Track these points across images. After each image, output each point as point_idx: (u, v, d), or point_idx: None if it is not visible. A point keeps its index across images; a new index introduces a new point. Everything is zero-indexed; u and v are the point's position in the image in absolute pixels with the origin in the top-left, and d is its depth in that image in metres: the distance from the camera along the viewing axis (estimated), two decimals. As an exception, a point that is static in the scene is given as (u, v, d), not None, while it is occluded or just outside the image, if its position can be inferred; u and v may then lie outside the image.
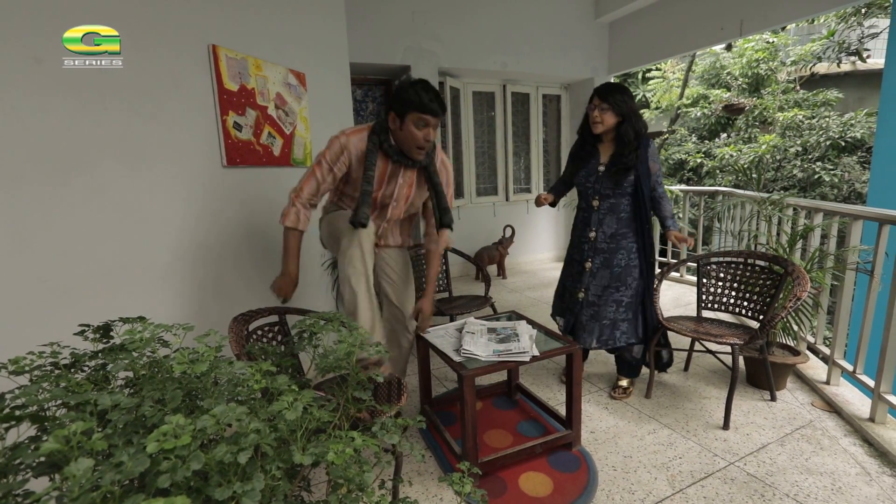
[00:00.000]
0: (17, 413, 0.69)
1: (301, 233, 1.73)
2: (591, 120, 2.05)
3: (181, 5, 1.75)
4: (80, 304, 1.45)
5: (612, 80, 2.09)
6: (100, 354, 0.85)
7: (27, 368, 0.76)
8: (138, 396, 0.70)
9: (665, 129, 8.39)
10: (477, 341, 1.76)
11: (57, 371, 0.79)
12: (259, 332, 1.65)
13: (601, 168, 2.10)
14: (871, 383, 1.95)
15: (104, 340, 0.90)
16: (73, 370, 0.82)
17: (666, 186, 4.62)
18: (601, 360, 2.63)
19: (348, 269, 1.62)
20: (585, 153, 2.17)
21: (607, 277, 2.12)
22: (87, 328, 0.89)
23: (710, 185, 6.68)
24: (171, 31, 1.71)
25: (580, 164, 2.18)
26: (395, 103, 1.65)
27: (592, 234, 2.14)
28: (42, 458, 0.63)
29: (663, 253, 4.86)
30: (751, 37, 7.10)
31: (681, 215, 4.33)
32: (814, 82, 7.91)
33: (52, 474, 0.64)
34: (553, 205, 2.28)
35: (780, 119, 7.02)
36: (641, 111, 8.62)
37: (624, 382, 2.25)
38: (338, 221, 1.77)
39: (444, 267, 2.92)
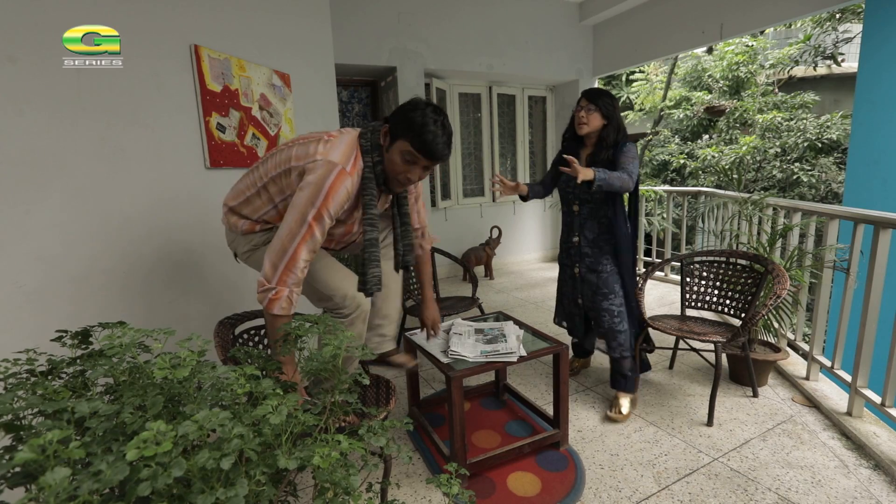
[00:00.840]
0: (-9, 422, 0.67)
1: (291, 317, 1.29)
2: (577, 121, 2.06)
3: (163, 5, 1.72)
4: (58, 309, 1.41)
5: (599, 87, 2.01)
6: (78, 361, 0.83)
7: (1, 376, 0.74)
8: (118, 403, 0.69)
9: (649, 131, 8.51)
10: (464, 342, 1.76)
11: (33, 378, 0.77)
12: (245, 336, 1.62)
13: None
14: (849, 378, 2.00)
15: (83, 346, 0.88)
16: (50, 377, 0.80)
17: (650, 187, 4.71)
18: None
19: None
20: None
21: (595, 283, 2.11)
22: (64, 334, 0.87)
23: (692, 186, 6.80)
24: (152, 31, 1.68)
25: (559, 172, 2.13)
26: (396, 120, 1.32)
27: (576, 240, 2.14)
28: (17, 469, 0.61)
29: (647, 253, 4.93)
30: (731, 40, 7.25)
31: (665, 215, 4.39)
32: (791, 85, 8.11)
33: (28, 484, 0.62)
34: (524, 198, 2.18)
35: (760, 121, 7.17)
36: (625, 113, 8.74)
37: (625, 402, 2.10)
38: (322, 271, 1.43)
39: (432, 267, 2.92)
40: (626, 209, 2.17)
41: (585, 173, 1.78)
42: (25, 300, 1.34)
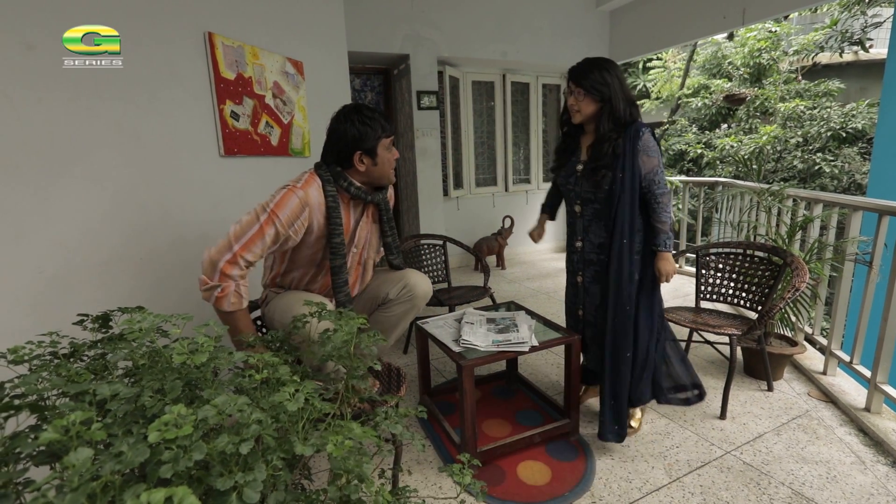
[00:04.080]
0: (17, 402, 0.69)
1: (247, 309, 1.36)
2: (570, 108, 1.74)
3: (176, -9, 1.72)
4: (77, 294, 1.44)
5: (590, 57, 1.72)
6: (99, 344, 0.85)
7: (27, 358, 0.76)
8: (138, 386, 0.70)
9: (665, 120, 8.34)
10: (476, 332, 1.76)
11: (56, 360, 0.78)
12: (258, 323, 1.64)
13: (580, 167, 1.76)
14: (868, 373, 1.97)
15: (103, 330, 0.90)
16: (72, 359, 0.82)
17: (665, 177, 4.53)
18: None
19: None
20: (568, 148, 1.85)
21: (599, 295, 1.80)
22: (86, 317, 0.88)
23: (710, 176, 6.66)
24: (166, 18, 1.68)
25: (563, 161, 1.86)
26: (358, 143, 1.47)
27: (579, 244, 1.84)
28: (42, 448, 0.63)
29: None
30: (753, 26, 7.03)
31: (680, 206, 4.31)
32: (816, 72, 7.85)
33: (53, 463, 0.64)
34: (552, 218, 2.07)
35: (782, 110, 6.97)
36: (641, 101, 8.51)
37: (637, 413, 1.91)
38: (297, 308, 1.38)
39: (444, 257, 2.92)
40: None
41: (666, 265, 1.68)
42: (46, 285, 1.37)
